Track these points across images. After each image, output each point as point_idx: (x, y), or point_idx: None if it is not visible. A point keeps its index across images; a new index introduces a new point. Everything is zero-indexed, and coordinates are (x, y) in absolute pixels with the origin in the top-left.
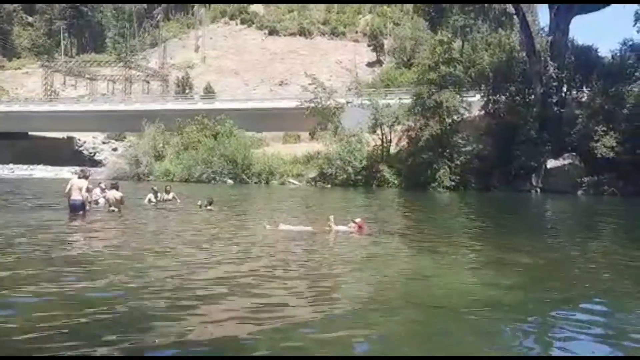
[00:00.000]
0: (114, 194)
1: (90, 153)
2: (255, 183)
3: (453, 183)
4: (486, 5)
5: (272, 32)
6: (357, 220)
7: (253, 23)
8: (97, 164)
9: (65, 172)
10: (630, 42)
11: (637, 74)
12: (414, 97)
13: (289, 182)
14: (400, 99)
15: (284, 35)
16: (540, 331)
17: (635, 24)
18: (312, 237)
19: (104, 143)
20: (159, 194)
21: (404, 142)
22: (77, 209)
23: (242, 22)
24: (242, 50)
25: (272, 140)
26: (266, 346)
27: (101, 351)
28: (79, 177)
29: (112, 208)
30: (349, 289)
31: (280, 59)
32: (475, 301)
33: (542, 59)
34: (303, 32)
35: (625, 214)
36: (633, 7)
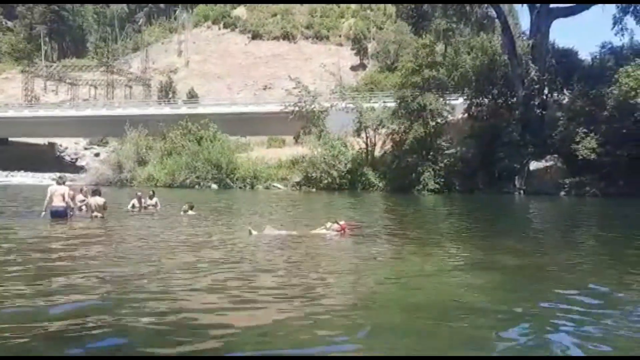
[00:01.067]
0: (96, 200)
1: (72, 159)
2: (240, 188)
3: (437, 186)
4: (468, 8)
5: (256, 36)
6: (341, 222)
7: (236, 27)
8: (79, 169)
9: (46, 178)
10: (610, 45)
11: (616, 76)
12: (398, 101)
13: (274, 186)
14: (384, 102)
15: (268, 40)
16: (527, 331)
17: (614, 27)
18: (298, 241)
19: (85, 149)
20: (142, 200)
21: (388, 146)
22: (60, 216)
23: (225, 27)
24: (226, 55)
25: (257, 145)
26: (252, 347)
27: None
28: (58, 184)
29: (95, 214)
30: (335, 291)
31: (264, 63)
32: (460, 302)
33: (524, 61)
34: (286, 36)
35: (606, 214)
36: (612, 11)
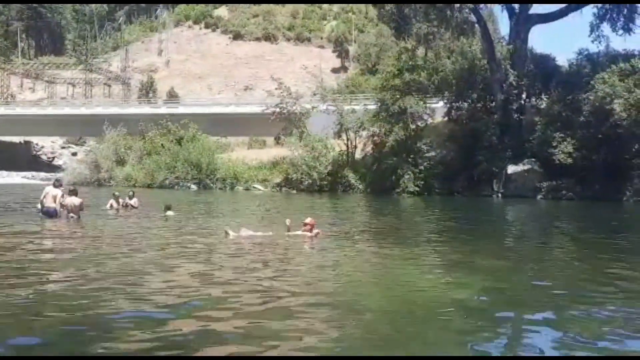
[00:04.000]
0: (72, 201)
1: (49, 158)
2: (220, 189)
3: (417, 188)
4: (448, 13)
5: (237, 36)
6: (307, 220)
7: (217, 27)
8: (55, 169)
9: (20, 177)
10: (586, 52)
11: (592, 82)
12: (379, 103)
13: (254, 187)
14: (365, 104)
15: (249, 40)
16: (507, 332)
17: (591, 34)
18: (274, 242)
19: (63, 147)
20: (120, 200)
21: (369, 148)
22: (50, 215)
23: (207, 27)
24: (207, 55)
25: (237, 146)
26: (230, 349)
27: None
28: (55, 187)
29: (72, 215)
30: (311, 293)
31: (245, 64)
32: (440, 303)
33: (503, 66)
34: (268, 37)
35: (581, 217)
36: (589, 18)
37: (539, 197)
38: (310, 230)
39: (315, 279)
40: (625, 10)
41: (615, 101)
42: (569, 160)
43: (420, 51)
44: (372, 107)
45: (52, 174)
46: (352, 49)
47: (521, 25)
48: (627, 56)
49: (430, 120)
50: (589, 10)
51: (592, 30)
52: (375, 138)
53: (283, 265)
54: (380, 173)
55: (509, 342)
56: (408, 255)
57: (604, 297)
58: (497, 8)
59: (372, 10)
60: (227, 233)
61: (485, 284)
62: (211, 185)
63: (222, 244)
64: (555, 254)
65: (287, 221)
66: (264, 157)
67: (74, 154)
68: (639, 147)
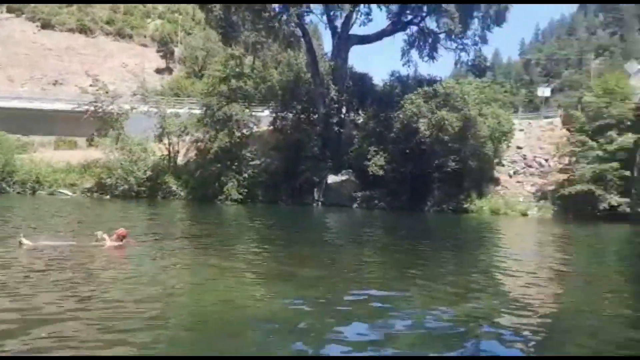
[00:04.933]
0: None
1: None
2: (19, 193)
3: (241, 196)
4: (276, 25)
5: (46, 25)
6: (119, 230)
7: (23, 13)
8: None
9: None
10: (398, 74)
11: (402, 102)
12: (204, 108)
13: (60, 192)
14: (189, 109)
15: (61, 31)
16: (322, 337)
17: (402, 58)
18: (79, 252)
19: None
20: None
21: (192, 154)
22: None
23: (9, 11)
24: (8, 43)
25: (42, 146)
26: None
27: None
28: None
29: None
30: (119, 304)
31: (56, 56)
32: (254, 314)
33: (325, 81)
34: (83, 30)
35: (389, 225)
36: (401, 43)
37: (354, 205)
38: (121, 240)
39: (117, 288)
40: (430, 40)
41: (421, 120)
42: (381, 172)
43: (248, 59)
44: (197, 112)
45: None
46: (177, 50)
47: (342, 44)
48: (431, 81)
49: (255, 129)
50: (401, 37)
51: (403, 55)
52: (199, 144)
53: (86, 278)
54: (204, 180)
55: (319, 344)
56: (225, 265)
57: (409, 297)
58: (321, 25)
59: (199, 12)
60: (21, 243)
61: (295, 293)
62: (7, 188)
63: (16, 255)
64: (365, 261)
65: (98, 234)
66: (73, 159)
67: None
68: (438, 162)
